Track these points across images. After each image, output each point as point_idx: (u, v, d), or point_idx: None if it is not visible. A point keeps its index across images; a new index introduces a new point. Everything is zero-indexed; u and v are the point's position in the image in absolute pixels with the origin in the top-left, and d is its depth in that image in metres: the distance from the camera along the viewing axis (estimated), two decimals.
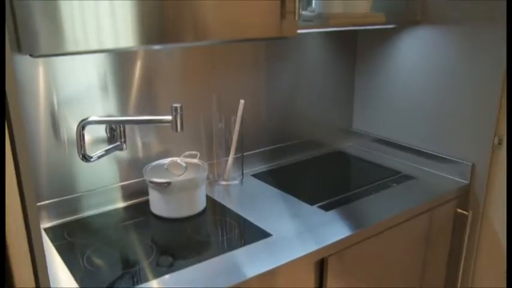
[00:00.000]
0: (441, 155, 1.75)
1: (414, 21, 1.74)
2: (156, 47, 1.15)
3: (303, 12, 1.62)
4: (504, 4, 1.48)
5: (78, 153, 1.36)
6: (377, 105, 1.97)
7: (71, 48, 0.99)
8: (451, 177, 1.72)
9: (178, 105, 1.31)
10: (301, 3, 1.38)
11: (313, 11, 1.63)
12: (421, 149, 1.82)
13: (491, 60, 1.54)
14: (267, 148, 1.85)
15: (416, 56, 1.78)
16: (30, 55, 0.96)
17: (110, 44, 1.04)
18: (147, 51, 1.45)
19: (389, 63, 1.88)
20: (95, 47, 1.02)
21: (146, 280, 1.10)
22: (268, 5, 1.23)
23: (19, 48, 0.93)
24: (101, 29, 1.02)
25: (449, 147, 1.73)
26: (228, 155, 1.64)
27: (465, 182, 1.68)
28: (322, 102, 1.98)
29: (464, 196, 1.68)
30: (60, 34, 0.97)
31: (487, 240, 1.68)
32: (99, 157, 1.40)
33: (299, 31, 1.34)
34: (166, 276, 1.11)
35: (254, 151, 1.81)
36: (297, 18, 1.27)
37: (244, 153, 1.73)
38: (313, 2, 1.67)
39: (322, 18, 1.54)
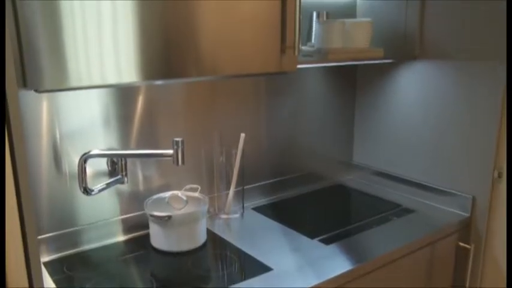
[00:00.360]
0: (441, 188, 1.76)
1: (412, 56, 1.77)
2: (158, 82, 1.17)
3: (303, 47, 1.65)
4: (499, 39, 1.51)
5: (79, 186, 1.36)
6: (377, 138, 1.99)
7: (74, 83, 1.01)
8: (451, 210, 1.72)
9: (179, 139, 1.32)
10: (301, 38, 1.41)
11: (313, 46, 1.66)
12: (421, 182, 1.82)
13: (489, 95, 1.56)
14: (268, 181, 1.85)
15: (415, 90, 1.80)
16: (35, 90, 0.98)
17: (112, 80, 1.05)
18: (149, 85, 1.48)
19: (388, 96, 1.90)
20: (98, 82, 1.04)
21: None
22: (269, 40, 1.26)
23: (25, 84, 0.94)
24: (104, 65, 1.04)
25: (449, 180, 1.73)
26: (228, 188, 1.65)
27: (466, 215, 1.67)
28: (323, 136, 2.00)
29: (466, 229, 1.68)
30: (64, 70, 0.99)
31: (490, 274, 1.67)
32: (100, 190, 1.40)
33: (299, 66, 1.36)
34: None
35: (255, 184, 1.81)
36: (296, 53, 1.30)
37: (245, 187, 1.73)
38: (313, 37, 1.71)
39: (321, 53, 1.57)
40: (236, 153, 1.61)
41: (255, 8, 1.22)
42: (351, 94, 2.04)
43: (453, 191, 1.71)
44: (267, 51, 1.26)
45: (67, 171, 1.38)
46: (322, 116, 1.97)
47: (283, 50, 1.28)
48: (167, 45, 1.11)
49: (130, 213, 1.52)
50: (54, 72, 0.98)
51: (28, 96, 1.28)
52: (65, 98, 1.34)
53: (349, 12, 1.93)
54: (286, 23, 1.27)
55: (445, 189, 1.74)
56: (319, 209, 1.77)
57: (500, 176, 1.58)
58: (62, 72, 0.99)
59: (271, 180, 1.86)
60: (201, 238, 1.45)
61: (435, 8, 1.69)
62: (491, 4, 1.52)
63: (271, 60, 1.28)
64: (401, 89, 1.85)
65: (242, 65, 1.23)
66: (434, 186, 1.78)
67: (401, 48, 1.80)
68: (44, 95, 1.30)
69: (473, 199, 1.66)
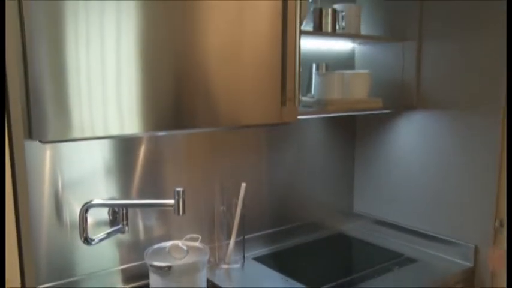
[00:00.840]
0: (443, 237, 1.75)
1: (410, 106, 1.80)
2: (160, 133, 1.19)
3: (303, 98, 1.68)
4: (496, 87, 1.54)
5: (80, 236, 1.36)
6: (377, 187, 1.99)
7: (77, 134, 1.03)
8: (454, 259, 1.70)
9: (181, 189, 1.33)
10: (301, 89, 1.44)
11: (313, 97, 1.69)
12: (423, 231, 1.81)
13: (487, 144, 1.58)
14: (269, 231, 1.84)
15: (414, 139, 1.82)
16: (40, 141, 1.00)
17: (115, 131, 1.07)
18: (151, 135, 1.50)
19: (388, 145, 1.92)
20: (100, 133, 1.06)
21: None
22: (270, 92, 1.29)
23: (30, 135, 0.96)
24: (107, 117, 1.06)
25: (450, 229, 1.73)
26: (229, 237, 1.64)
27: (469, 264, 1.66)
28: (323, 185, 2.00)
29: (469, 279, 1.66)
30: (68, 121, 1.01)
31: None
32: (101, 240, 1.40)
33: (299, 117, 1.38)
34: None
35: (255, 234, 1.80)
36: (296, 104, 1.32)
37: (246, 236, 1.72)
38: (313, 88, 1.74)
39: (321, 104, 1.60)
40: (237, 203, 1.62)
41: (256, 61, 1.26)
42: (350, 143, 2.06)
43: (455, 240, 1.70)
44: (268, 103, 1.29)
45: (68, 220, 1.38)
46: (322, 165, 1.98)
47: (283, 102, 1.31)
48: (170, 97, 1.13)
49: (131, 263, 1.51)
50: (58, 124, 1.00)
51: (31, 144, 1.30)
52: (68, 147, 1.35)
53: (348, 62, 1.98)
54: (286, 75, 1.30)
55: (447, 238, 1.73)
56: (321, 258, 1.75)
57: (501, 224, 1.58)
58: (66, 124, 1.01)
59: (272, 230, 1.85)
60: None
61: (432, 54, 1.73)
62: (487, 49, 1.56)
63: (272, 111, 1.30)
64: (401, 139, 1.87)
65: (244, 116, 1.26)
66: (436, 235, 1.77)
67: (399, 98, 1.83)
68: (48, 145, 1.32)
69: (476, 248, 1.65)
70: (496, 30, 1.54)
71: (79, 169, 1.38)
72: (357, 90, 1.69)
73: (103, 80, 1.04)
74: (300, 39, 1.33)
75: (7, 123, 0.73)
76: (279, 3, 1.28)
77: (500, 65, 1.53)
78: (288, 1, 1.29)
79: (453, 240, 1.71)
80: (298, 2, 1.31)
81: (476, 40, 1.59)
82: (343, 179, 2.07)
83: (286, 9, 1.29)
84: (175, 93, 1.14)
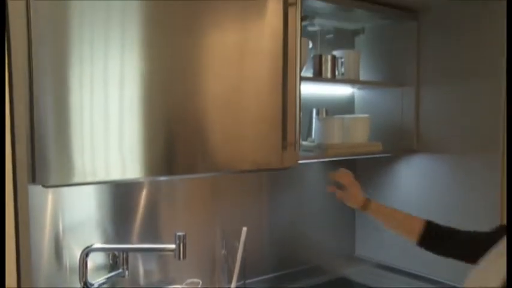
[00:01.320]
0: (446, 281, 1.73)
1: (410, 149, 1.81)
2: (162, 178, 1.20)
3: (303, 143, 1.69)
4: (493, 130, 1.56)
5: (79, 280, 1.34)
6: (379, 231, 1.98)
7: (78, 179, 1.04)
8: None
9: (181, 233, 1.33)
10: (301, 134, 1.46)
11: (313, 141, 1.71)
12: (425, 275, 1.80)
13: (487, 185, 1.58)
14: (270, 275, 1.82)
15: (414, 182, 1.83)
16: (42, 185, 1.01)
17: (116, 176, 1.09)
18: (152, 180, 1.50)
19: (388, 188, 1.93)
20: (102, 178, 1.07)
21: None
22: (271, 137, 1.30)
23: (33, 179, 0.97)
24: (109, 161, 1.07)
25: (453, 273, 1.71)
26: (230, 282, 1.62)
27: None
28: (324, 229, 1.99)
29: None
30: (70, 166, 1.02)
31: None
32: (101, 285, 1.38)
33: (300, 161, 1.40)
34: None
35: (257, 278, 1.78)
36: (297, 149, 1.34)
37: (247, 281, 1.70)
38: (313, 132, 1.76)
39: (321, 149, 1.61)
40: (238, 247, 1.61)
41: (257, 106, 1.28)
42: None
43: (458, 285, 1.68)
44: (268, 147, 1.30)
45: (67, 264, 1.37)
46: (323, 208, 1.98)
47: (284, 147, 1.32)
48: (171, 142, 1.15)
49: None
50: (60, 169, 1.01)
51: (34, 188, 1.30)
52: (69, 191, 1.35)
53: (348, 106, 2.00)
54: (287, 120, 1.32)
55: (450, 283, 1.71)
56: None
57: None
58: (68, 169, 1.02)
59: (273, 274, 1.83)
60: None
61: (430, 98, 1.76)
62: (485, 92, 1.59)
63: (273, 156, 1.31)
64: (401, 181, 1.88)
65: (244, 161, 1.27)
66: (438, 279, 1.75)
67: (399, 141, 1.85)
68: (50, 189, 1.33)
69: None
70: (494, 74, 1.57)
71: (80, 213, 1.38)
72: (357, 134, 1.71)
73: (105, 126, 1.06)
74: (300, 85, 1.35)
75: (12, 167, 0.74)
76: (280, 50, 1.31)
77: (499, 109, 1.55)
78: (288, 48, 1.33)
79: (456, 285, 1.69)
80: (299, 49, 1.34)
81: (474, 84, 1.62)
82: (345, 222, 2.06)
83: (286, 56, 1.32)
84: (176, 138, 1.15)
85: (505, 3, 1.47)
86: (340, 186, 1.54)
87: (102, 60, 1.05)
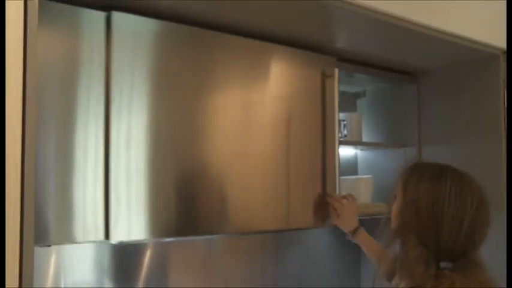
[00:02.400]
0: None
1: None
2: (167, 239, 1.20)
3: None
4: (495, 190, 1.55)
5: None
6: None
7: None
8: None
9: None
10: None
11: None
12: None
13: (493, 239, 1.56)
14: None
15: None
16: (48, 245, 1.01)
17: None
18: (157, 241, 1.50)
19: None
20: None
21: None
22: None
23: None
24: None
25: None
26: None
27: None
28: None
29: None
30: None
31: None
32: None
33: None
34: None
35: None
36: None
37: None
38: None
39: None
40: None
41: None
42: (356, 250, 2.03)
43: None
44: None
45: None
46: (328, 271, 1.94)
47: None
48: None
49: None
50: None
51: (37, 249, 1.30)
52: (72, 250, 1.35)
53: (351, 167, 2.01)
54: (326, 180, 1.40)
55: None
56: None
57: None
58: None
59: None
60: None
61: (432, 158, 1.76)
62: (486, 152, 1.61)
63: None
64: None
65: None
66: None
67: None
68: (53, 248, 1.32)
69: None
70: (494, 132, 1.59)
71: (83, 272, 1.37)
72: (360, 195, 1.71)
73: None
74: (338, 147, 1.46)
75: (20, 228, 0.75)
76: (320, 116, 1.38)
77: (500, 166, 1.56)
78: (326, 114, 1.45)
79: None
80: (336, 115, 1.46)
81: (474, 143, 1.64)
82: (350, 285, 2.02)
83: (325, 121, 1.46)
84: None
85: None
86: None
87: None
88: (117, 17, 1.10)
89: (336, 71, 1.49)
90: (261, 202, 1.31)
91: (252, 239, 1.72)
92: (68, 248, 1.34)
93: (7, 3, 0.73)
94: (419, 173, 1.04)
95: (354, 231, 1.49)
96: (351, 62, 1.65)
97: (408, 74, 1.84)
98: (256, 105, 1.33)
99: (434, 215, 0.97)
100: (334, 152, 1.48)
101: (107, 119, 1.08)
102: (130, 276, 1.44)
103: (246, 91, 1.31)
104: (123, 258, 1.43)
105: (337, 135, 1.51)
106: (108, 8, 1.11)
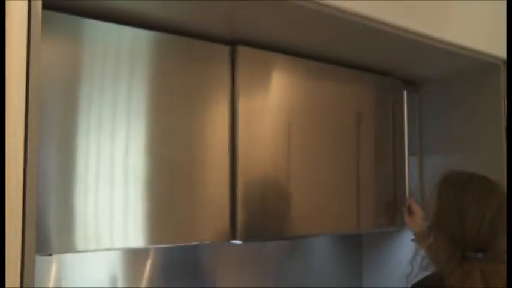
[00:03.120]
0: None
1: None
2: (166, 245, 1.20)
3: None
4: None
5: None
6: None
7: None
8: None
9: None
10: None
11: None
12: None
13: None
14: None
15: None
16: (49, 254, 1.01)
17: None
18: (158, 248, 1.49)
19: (395, 261, 1.89)
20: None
21: None
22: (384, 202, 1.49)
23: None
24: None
25: None
26: None
27: None
28: None
29: None
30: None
31: None
32: None
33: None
34: None
35: None
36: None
37: None
38: None
39: None
40: None
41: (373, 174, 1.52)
42: (357, 260, 2.02)
43: None
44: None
45: None
46: (329, 281, 1.93)
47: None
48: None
49: None
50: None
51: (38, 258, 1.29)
52: (73, 259, 1.34)
53: None
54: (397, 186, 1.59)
55: None
56: None
57: None
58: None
59: None
60: None
61: (432, 168, 1.77)
62: (485, 160, 1.61)
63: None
64: (409, 253, 1.84)
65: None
66: None
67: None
68: (54, 258, 1.32)
69: None
70: (496, 141, 1.60)
71: (84, 282, 1.36)
72: None
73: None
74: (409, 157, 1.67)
75: (21, 237, 0.75)
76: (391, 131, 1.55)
77: (501, 177, 1.55)
78: (396, 130, 1.70)
79: None
80: (406, 131, 1.73)
81: (476, 153, 1.64)
82: None
83: (395, 135, 1.69)
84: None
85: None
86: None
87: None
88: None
89: (405, 92, 1.78)
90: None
91: (249, 249, 1.71)
92: (69, 256, 1.34)
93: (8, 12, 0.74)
94: (450, 180, 1.24)
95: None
96: None
97: (410, 83, 1.85)
98: (338, 121, 1.54)
99: (460, 212, 1.14)
100: (404, 160, 1.73)
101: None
102: (132, 283, 1.43)
103: (332, 110, 1.53)
104: (125, 265, 1.43)
105: (406, 145, 1.76)
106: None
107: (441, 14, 1.40)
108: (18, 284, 0.73)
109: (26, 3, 0.76)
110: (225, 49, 1.30)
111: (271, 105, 1.36)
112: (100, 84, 1.09)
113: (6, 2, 0.74)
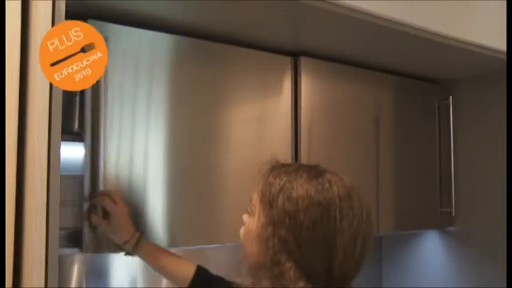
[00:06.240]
0: None
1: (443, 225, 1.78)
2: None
3: None
4: None
5: None
6: None
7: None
8: None
9: None
10: None
11: None
12: None
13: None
14: None
15: (441, 257, 1.77)
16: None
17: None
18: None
19: (415, 262, 1.86)
20: None
21: None
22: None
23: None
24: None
25: None
26: None
27: None
28: None
29: None
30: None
31: None
32: None
33: None
34: None
35: None
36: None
37: None
38: None
39: None
40: None
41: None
42: (377, 266, 2.00)
43: None
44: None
45: None
46: None
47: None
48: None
49: None
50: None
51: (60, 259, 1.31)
52: (95, 260, 1.35)
53: None
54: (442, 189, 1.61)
55: None
56: None
57: None
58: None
59: None
60: None
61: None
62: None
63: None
64: (429, 257, 1.82)
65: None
66: None
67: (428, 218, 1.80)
68: (76, 258, 1.32)
69: None
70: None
71: (105, 282, 1.37)
72: None
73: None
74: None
75: (46, 233, 0.75)
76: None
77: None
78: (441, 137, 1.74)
79: None
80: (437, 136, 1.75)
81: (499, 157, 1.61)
82: None
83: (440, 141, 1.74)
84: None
85: None
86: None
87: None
88: None
89: (450, 98, 1.75)
90: None
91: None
92: (89, 258, 1.35)
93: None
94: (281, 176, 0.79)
95: (134, 240, 1.09)
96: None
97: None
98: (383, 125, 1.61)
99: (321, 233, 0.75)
100: (450, 162, 1.74)
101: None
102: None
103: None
104: (143, 271, 1.43)
105: (452, 148, 1.74)
106: None
107: (461, 14, 1.38)
108: (42, 284, 0.74)
109: (50, 3, 0.77)
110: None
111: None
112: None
113: (30, 2, 0.75)
